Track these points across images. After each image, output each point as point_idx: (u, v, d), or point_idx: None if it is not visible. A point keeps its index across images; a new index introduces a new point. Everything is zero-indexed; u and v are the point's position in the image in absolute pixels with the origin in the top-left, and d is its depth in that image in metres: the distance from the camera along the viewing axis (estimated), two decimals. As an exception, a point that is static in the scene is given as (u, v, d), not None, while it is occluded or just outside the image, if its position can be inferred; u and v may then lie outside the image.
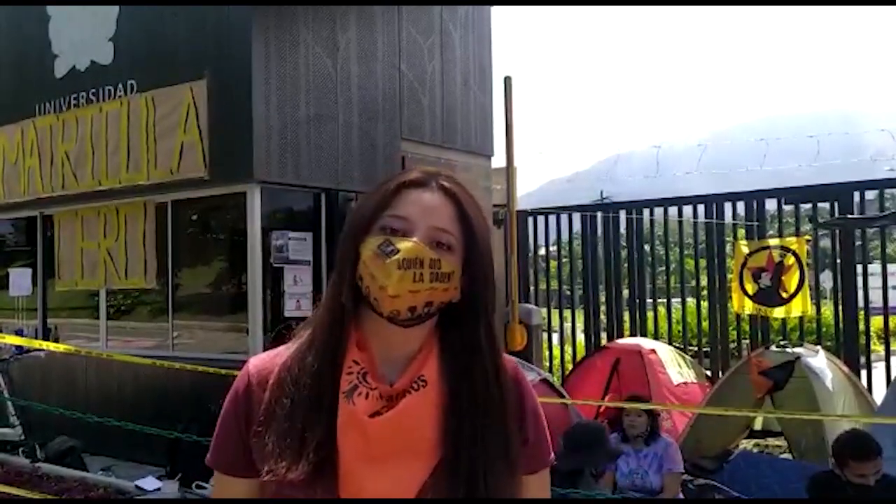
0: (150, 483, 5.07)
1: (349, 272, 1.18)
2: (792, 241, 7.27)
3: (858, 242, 8.22)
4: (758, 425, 7.44)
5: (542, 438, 1.29)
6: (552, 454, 1.31)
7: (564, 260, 10.73)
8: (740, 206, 8.87)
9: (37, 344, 5.97)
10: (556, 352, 10.43)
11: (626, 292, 9.72)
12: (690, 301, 9.86)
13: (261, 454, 1.18)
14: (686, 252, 9.46)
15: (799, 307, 7.08)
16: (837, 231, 8.17)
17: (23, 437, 6.18)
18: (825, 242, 8.80)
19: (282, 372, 1.20)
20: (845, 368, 6.71)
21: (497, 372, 1.22)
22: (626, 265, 9.72)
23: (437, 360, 1.19)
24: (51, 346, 6.53)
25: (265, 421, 1.18)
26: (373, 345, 1.20)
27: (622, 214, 9.57)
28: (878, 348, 10.15)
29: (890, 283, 8.25)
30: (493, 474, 1.16)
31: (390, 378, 1.18)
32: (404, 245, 1.14)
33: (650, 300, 9.84)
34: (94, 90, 7.84)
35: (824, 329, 8.97)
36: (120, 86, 7.62)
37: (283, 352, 1.25)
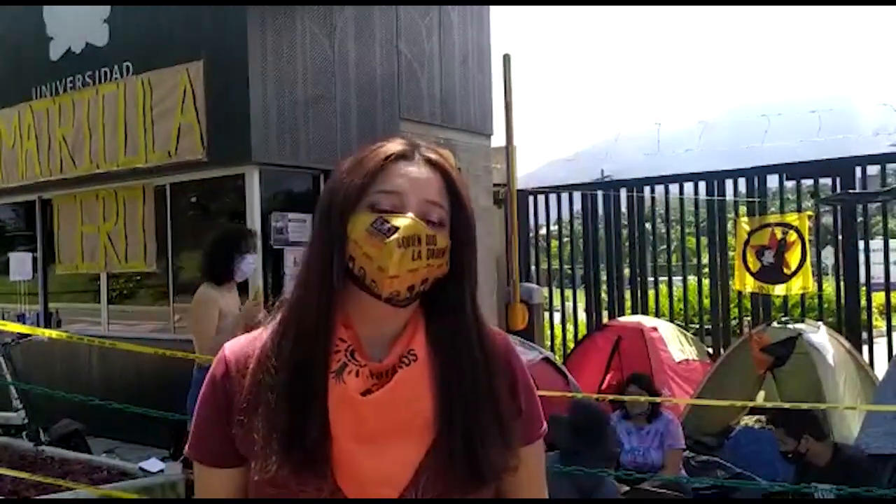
0: (153, 465, 5.08)
1: (338, 253, 1.13)
2: (793, 218, 7.24)
3: (860, 218, 8.19)
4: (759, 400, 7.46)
5: (535, 409, 1.27)
6: (544, 425, 1.30)
7: (565, 239, 10.71)
8: (742, 182, 8.83)
9: (38, 332, 5.96)
10: (558, 330, 10.43)
11: (627, 271, 9.70)
12: (692, 279, 9.85)
13: (245, 444, 1.14)
14: (687, 230, 9.43)
15: (800, 284, 7.07)
16: (839, 207, 8.14)
17: (26, 421, 6.20)
18: (827, 219, 8.76)
19: (262, 357, 1.16)
20: (847, 344, 6.70)
21: (482, 340, 1.19)
22: (627, 243, 9.70)
23: (425, 333, 1.17)
24: (53, 333, 6.54)
25: (248, 409, 1.14)
26: (358, 324, 1.16)
27: (623, 193, 9.54)
28: (879, 324, 10.15)
29: (892, 258, 8.22)
30: (491, 447, 1.14)
31: (377, 356, 1.15)
32: (402, 222, 1.09)
33: (651, 278, 9.82)
34: (90, 73, 7.79)
35: (826, 305, 8.95)
36: (116, 68, 7.57)
37: (261, 335, 1.20)
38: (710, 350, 8.41)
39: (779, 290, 7.24)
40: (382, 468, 1.10)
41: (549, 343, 10.03)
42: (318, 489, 1.11)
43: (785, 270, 7.02)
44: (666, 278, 9.54)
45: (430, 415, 1.13)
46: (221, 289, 4.43)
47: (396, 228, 1.09)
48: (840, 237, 8.35)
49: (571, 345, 9.39)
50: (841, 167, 8.18)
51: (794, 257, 6.98)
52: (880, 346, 8.33)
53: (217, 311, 4.33)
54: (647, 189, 9.44)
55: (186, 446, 1.23)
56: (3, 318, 8.80)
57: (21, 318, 8.81)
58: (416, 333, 1.16)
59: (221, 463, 1.19)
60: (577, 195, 9.89)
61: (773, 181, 8.80)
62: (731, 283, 8.42)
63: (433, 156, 1.19)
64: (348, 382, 1.11)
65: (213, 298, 4.36)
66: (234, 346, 1.22)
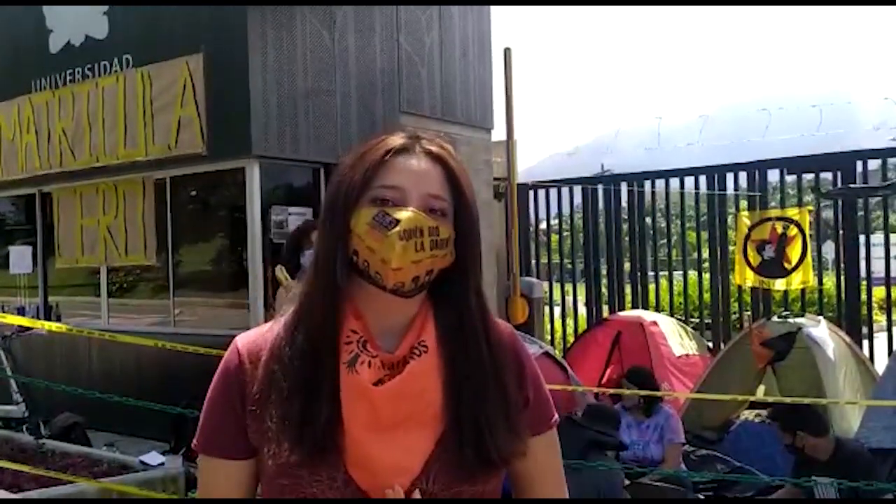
0: (153, 458, 5.09)
1: (341, 248, 1.15)
2: (794, 212, 7.23)
3: (861, 212, 8.19)
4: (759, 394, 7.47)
5: (544, 399, 1.28)
6: (555, 416, 1.30)
7: (566, 233, 10.71)
8: (742, 177, 8.82)
9: (39, 325, 5.96)
10: (558, 325, 10.43)
11: (627, 265, 9.70)
12: (692, 273, 9.84)
13: (259, 435, 1.15)
14: (688, 224, 9.42)
15: (800, 278, 7.06)
16: (840, 201, 8.13)
17: (27, 414, 6.21)
18: (827, 213, 8.76)
19: (275, 349, 1.17)
20: (847, 338, 6.70)
21: (488, 331, 1.20)
22: (627, 238, 9.70)
23: (434, 324, 1.17)
24: (53, 327, 6.52)
25: (261, 400, 1.15)
26: (367, 315, 1.17)
27: (623, 187, 9.53)
28: (879, 318, 10.16)
29: (892, 252, 8.22)
30: (499, 436, 1.15)
31: (388, 347, 1.16)
32: (403, 215, 1.11)
33: (651, 273, 9.82)
34: (89, 65, 7.77)
35: (826, 299, 8.95)
36: (116, 61, 7.55)
37: (273, 328, 1.21)
38: (710, 344, 8.42)
39: (779, 284, 7.23)
40: (394, 458, 1.11)
41: (549, 337, 10.03)
42: (331, 478, 1.12)
43: (785, 265, 7.01)
44: (666, 273, 9.54)
45: (440, 405, 1.14)
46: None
47: (398, 221, 1.10)
48: (840, 232, 8.34)
49: (571, 339, 9.39)
50: (841, 161, 8.17)
51: (794, 252, 6.97)
52: (880, 340, 8.33)
53: (281, 299, 4.33)
54: (647, 183, 9.43)
55: (194, 439, 1.23)
56: (3, 311, 8.80)
57: (21, 312, 8.80)
58: (425, 324, 1.17)
59: (231, 454, 1.20)
60: (577, 189, 9.88)
61: (773, 175, 8.79)
62: (731, 277, 8.42)
63: (434, 148, 1.19)
64: (361, 373, 1.12)
65: (282, 286, 4.39)
66: (246, 339, 1.23)
